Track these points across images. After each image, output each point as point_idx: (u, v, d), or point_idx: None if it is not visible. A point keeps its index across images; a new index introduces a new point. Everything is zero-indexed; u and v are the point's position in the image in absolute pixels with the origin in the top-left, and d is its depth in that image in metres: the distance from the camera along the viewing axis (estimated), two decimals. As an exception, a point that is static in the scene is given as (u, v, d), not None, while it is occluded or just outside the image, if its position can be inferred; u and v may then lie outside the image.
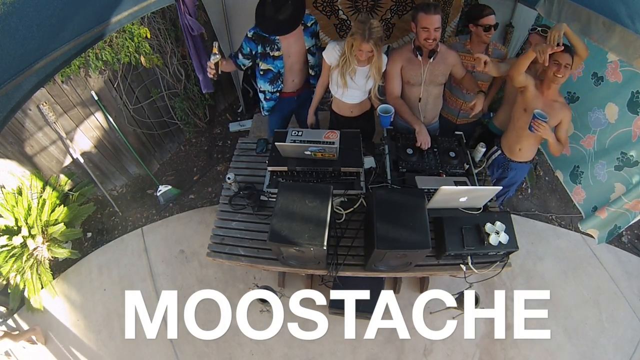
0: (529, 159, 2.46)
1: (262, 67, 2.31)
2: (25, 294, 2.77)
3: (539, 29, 2.19)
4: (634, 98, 1.96)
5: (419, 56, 2.16)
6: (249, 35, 2.19)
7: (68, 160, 3.09)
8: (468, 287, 2.18)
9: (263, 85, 2.41)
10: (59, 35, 1.28)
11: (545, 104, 2.11)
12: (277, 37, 2.19)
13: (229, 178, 2.21)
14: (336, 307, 2.45)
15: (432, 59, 2.16)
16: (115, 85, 2.94)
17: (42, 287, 2.83)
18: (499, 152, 2.49)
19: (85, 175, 3.22)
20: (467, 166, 2.26)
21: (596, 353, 2.61)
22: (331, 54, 2.18)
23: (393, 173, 2.21)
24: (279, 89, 2.43)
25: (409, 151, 2.25)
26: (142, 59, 2.89)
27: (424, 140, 2.23)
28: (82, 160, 3.03)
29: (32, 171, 2.92)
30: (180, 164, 3.77)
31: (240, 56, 2.31)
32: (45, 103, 2.64)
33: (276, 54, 2.24)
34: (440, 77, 2.28)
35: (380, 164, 2.27)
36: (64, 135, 2.83)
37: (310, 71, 2.43)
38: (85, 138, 3.04)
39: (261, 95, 2.50)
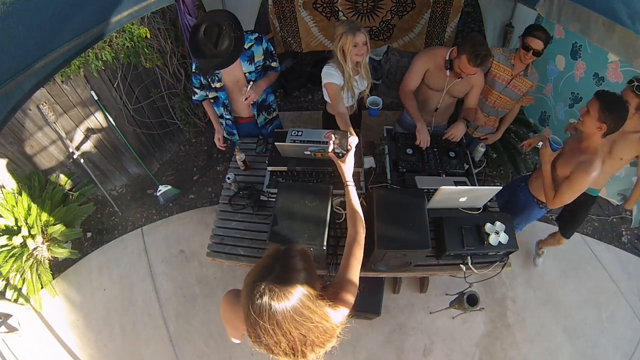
0: (538, 197, 2.25)
1: (211, 96, 2.30)
2: (25, 293, 2.77)
3: (636, 82, 1.83)
4: None
5: (448, 71, 2.16)
6: (193, 69, 2.19)
7: (68, 160, 3.10)
8: (468, 287, 2.18)
9: (218, 110, 2.42)
10: (59, 35, 1.28)
11: (572, 149, 1.94)
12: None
13: (228, 178, 2.21)
14: (336, 307, 2.45)
15: (459, 79, 2.17)
16: (115, 85, 2.94)
17: (42, 287, 2.83)
18: (530, 172, 2.47)
19: (85, 175, 3.22)
20: (467, 166, 2.26)
21: (596, 353, 2.61)
22: (335, 76, 2.11)
23: (393, 173, 2.21)
24: (228, 116, 2.43)
25: (409, 151, 2.25)
26: (142, 59, 2.89)
27: (423, 139, 2.23)
28: (82, 160, 3.03)
29: (32, 171, 2.92)
30: (180, 164, 3.77)
31: (197, 92, 2.29)
32: (45, 103, 2.64)
33: (217, 85, 2.20)
34: (458, 93, 2.30)
35: (380, 164, 2.27)
36: (63, 135, 2.83)
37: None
38: (85, 138, 3.05)
39: (222, 122, 2.51)
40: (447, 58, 2.14)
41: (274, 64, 2.28)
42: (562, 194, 1.93)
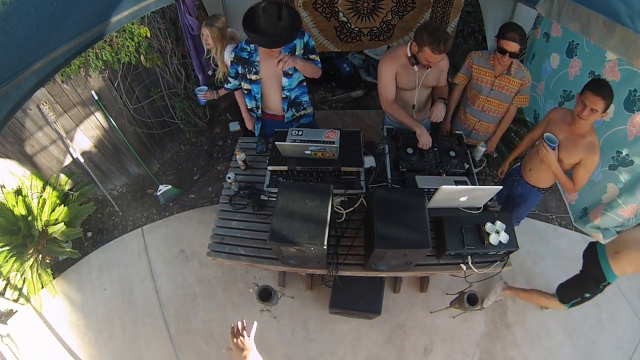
0: (538, 186, 2.32)
1: (244, 87, 2.34)
2: (26, 293, 2.77)
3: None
4: (631, 96, 1.96)
5: (415, 66, 2.13)
6: (232, 58, 2.22)
7: (68, 160, 3.09)
8: (468, 286, 2.18)
9: (249, 103, 2.43)
10: (59, 35, 1.28)
11: (569, 137, 1.97)
12: (257, 60, 2.17)
13: (229, 178, 2.21)
14: (336, 306, 2.45)
15: (428, 69, 2.15)
16: (115, 85, 2.94)
17: (42, 287, 2.83)
18: (519, 164, 2.48)
19: (86, 175, 3.22)
20: (467, 166, 2.26)
21: (596, 353, 2.61)
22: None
23: (393, 172, 2.21)
24: (257, 109, 2.44)
25: (409, 151, 2.25)
26: (142, 58, 2.89)
27: (425, 142, 2.23)
28: (82, 160, 3.04)
29: (32, 171, 2.92)
30: (181, 164, 3.77)
31: (230, 81, 2.35)
32: (46, 103, 2.64)
33: (254, 77, 2.22)
34: (432, 81, 2.29)
35: (381, 164, 2.27)
36: (64, 135, 2.83)
37: (282, 93, 2.31)
38: (85, 138, 3.05)
39: (252, 114, 2.53)
40: (409, 54, 2.11)
41: (313, 57, 2.23)
42: (581, 181, 2.02)
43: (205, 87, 2.66)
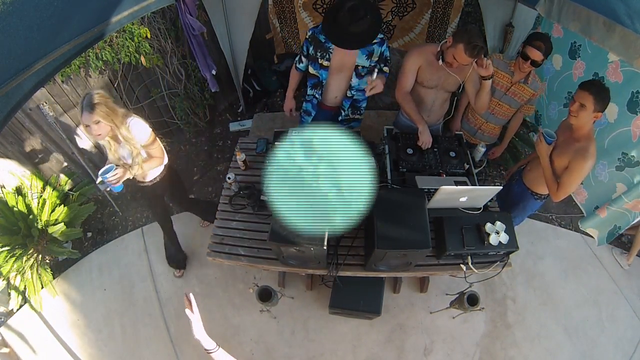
0: (532, 188, 2.29)
1: (310, 71, 2.30)
2: (26, 294, 2.77)
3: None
4: (634, 98, 1.97)
5: (440, 61, 2.11)
6: (307, 35, 2.20)
7: (68, 160, 3.09)
8: (468, 286, 2.18)
9: (311, 90, 2.41)
10: (59, 35, 1.28)
11: (566, 140, 1.95)
12: (332, 48, 2.13)
13: (229, 178, 2.21)
14: (336, 306, 2.45)
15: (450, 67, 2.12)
16: (115, 85, 2.94)
17: (42, 287, 2.83)
18: (524, 166, 2.48)
19: (86, 175, 3.22)
20: (467, 166, 2.26)
21: (596, 352, 2.61)
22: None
23: (393, 173, 2.21)
24: (317, 95, 2.41)
25: (409, 151, 2.25)
26: (143, 58, 2.89)
27: (425, 141, 2.23)
28: (82, 160, 3.03)
29: (32, 171, 2.92)
30: (180, 164, 3.76)
31: (303, 61, 2.31)
32: (46, 103, 2.63)
33: (325, 63, 2.20)
34: (453, 86, 2.26)
35: (381, 164, 2.27)
36: (64, 135, 2.83)
37: (348, 92, 2.32)
38: (85, 138, 3.04)
39: (308, 98, 2.50)
40: (439, 49, 2.10)
41: (385, 69, 2.23)
42: (564, 185, 1.94)
43: (112, 166, 1.92)
